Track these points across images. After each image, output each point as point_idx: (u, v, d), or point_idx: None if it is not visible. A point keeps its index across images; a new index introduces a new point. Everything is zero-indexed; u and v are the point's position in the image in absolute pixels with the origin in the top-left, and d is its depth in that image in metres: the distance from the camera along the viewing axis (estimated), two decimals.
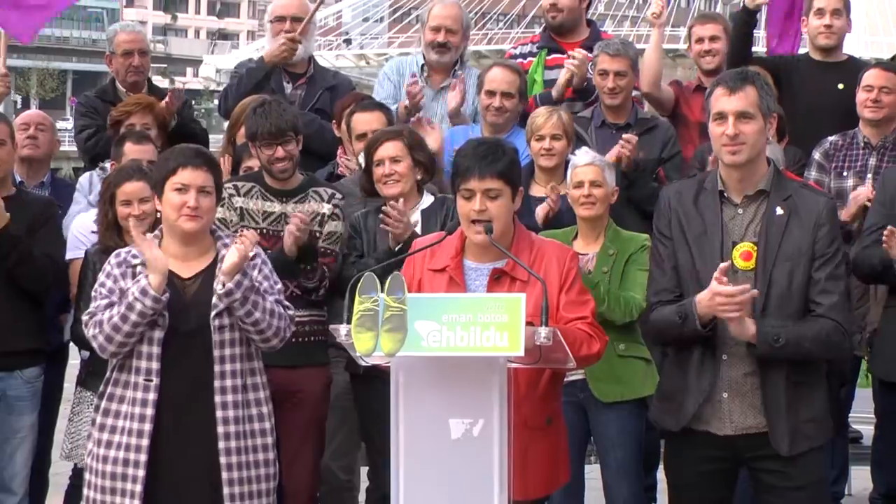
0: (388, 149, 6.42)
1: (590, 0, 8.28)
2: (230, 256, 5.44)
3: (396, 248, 6.11)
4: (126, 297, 5.39)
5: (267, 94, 7.35)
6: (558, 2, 7.99)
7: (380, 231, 6.31)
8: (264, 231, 6.39)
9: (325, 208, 6.50)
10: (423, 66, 7.97)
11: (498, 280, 5.18)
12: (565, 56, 7.82)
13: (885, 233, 6.04)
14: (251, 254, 5.48)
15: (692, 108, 7.89)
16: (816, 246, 5.22)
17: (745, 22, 7.71)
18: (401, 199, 6.29)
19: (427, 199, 6.50)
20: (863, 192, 6.91)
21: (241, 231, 5.66)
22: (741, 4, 7.83)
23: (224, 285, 5.42)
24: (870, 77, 7.16)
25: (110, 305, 5.44)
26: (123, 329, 5.38)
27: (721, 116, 5.24)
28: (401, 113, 7.55)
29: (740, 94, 5.22)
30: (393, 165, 6.40)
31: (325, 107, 7.82)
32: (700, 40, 7.98)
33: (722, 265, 5.10)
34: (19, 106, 59.85)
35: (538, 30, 8.59)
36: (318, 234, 6.42)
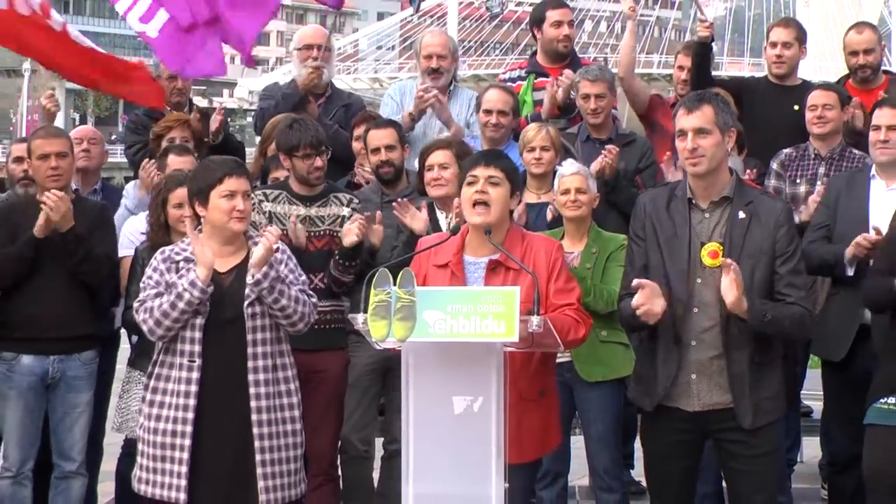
0: (438, 156, 6.49)
1: None
2: (258, 250, 5.45)
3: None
4: (175, 287, 5.40)
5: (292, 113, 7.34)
6: (571, 34, 8.01)
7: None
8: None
9: (345, 211, 6.54)
10: None
11: (494, 270, 5.17)
12: (550, 79, 7.81)
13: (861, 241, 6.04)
14: (276, 248, 5.48)
15: (670, 120, 7.84)
16: (777, 245, 5.21)
17: (699, 54, 7.69)
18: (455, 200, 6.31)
19: None
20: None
21: (265, 228, 5.67)
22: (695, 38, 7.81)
23: (253, 276, 5.42)
24: (814, 97, 7.15)
25: (159, 295, 5.44)
26: (172, 315, 5.39)
27: (682, 133, 5.24)
28: (405, 122, 7.52)
29: (698, 113, 5.22)
30: (441, 171, 6.45)
31: (340, 121, 7.78)
32: (681, 68, 7.94)
33: (636, 281, 5.07)
34: (77, 122, 59.69)
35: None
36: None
